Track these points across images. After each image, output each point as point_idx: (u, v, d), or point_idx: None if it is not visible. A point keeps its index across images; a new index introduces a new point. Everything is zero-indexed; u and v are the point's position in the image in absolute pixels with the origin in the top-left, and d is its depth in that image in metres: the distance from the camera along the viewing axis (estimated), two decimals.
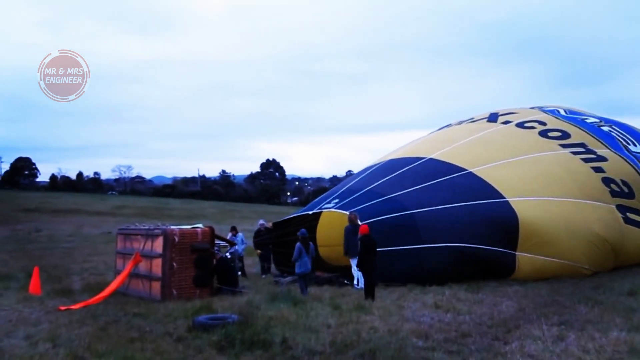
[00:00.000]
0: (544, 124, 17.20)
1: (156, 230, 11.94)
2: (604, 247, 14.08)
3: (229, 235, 16.21)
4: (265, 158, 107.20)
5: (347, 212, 13.71)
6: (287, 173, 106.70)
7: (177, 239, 11.51)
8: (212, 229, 12.28)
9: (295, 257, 11.66)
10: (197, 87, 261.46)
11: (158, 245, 11.61)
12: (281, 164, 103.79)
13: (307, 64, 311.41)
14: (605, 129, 17.84)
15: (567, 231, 13.72)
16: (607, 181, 15.25)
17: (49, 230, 32.95)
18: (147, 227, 12.80)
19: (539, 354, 6.76)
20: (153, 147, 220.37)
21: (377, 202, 14.20)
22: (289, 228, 15.73)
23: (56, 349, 7.16)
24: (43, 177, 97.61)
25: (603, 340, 7.28)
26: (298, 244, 11.69)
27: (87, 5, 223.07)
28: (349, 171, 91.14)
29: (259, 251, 16.58)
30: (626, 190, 15.44)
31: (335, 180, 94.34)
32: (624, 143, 17.29)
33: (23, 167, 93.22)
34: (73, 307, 10.27)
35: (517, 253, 13.42)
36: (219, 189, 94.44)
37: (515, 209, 13.62)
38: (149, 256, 11.81)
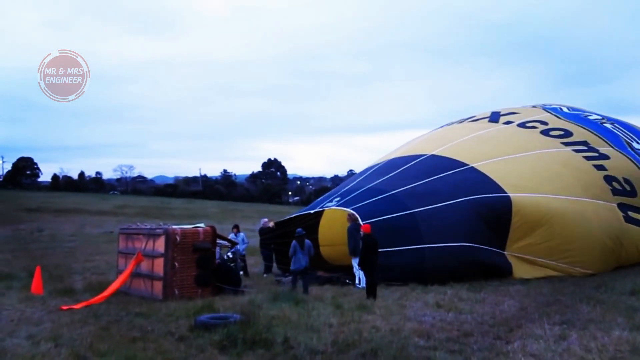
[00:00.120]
0: (545, 123, 17.18)
1: (158, 230, 11.93)
2: (604, 247, 14.06)
3: (230, 235, 16.19)
4: (267, 158, 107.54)
5: (348, 210, 13.71)
6: (288, 173, 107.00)
7: (178, 239, 11.51)
8: (213, 229, 12.29)
9: (290, 254, 12.01)
10: (199, 87, 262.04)
11: (160, 244, 11.60)
12: (283, 164, 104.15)
13: (309, 64, 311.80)
14: (608, 126, 17.81)
15: (567, 230, 13.71)
16: (609, 179, 15.23)
17: (51, 229, 32.96)
18: (149, 227, 12.79)
19: (541, 353, 6.75)
20: (155, 147, 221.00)
21: (378, 199, 14.19)
22: (291, 227, 15.72)
23: (58, 349, 7.16)
24: (45, 177, 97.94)
25: (605, 339, 7.28)
26: (294, 242, 12.02)
27: (91, 6, 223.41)
28: (351, 171, 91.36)
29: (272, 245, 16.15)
30: (628, 188, 15.42)
31: (336, 179, 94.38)
32: (627, 140, 17.24)
33: (25, 167, 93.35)
34: (75, 306, 10.27)
35: (515, 254, 13.44)
36: (221, 189, 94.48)
37: (516, 206, 13.61)
38: (151, 256, 11.81)
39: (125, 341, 7.50)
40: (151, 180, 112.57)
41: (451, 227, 13.33)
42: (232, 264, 13.81)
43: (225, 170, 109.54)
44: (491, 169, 14.68)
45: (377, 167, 17.04)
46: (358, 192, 14.93)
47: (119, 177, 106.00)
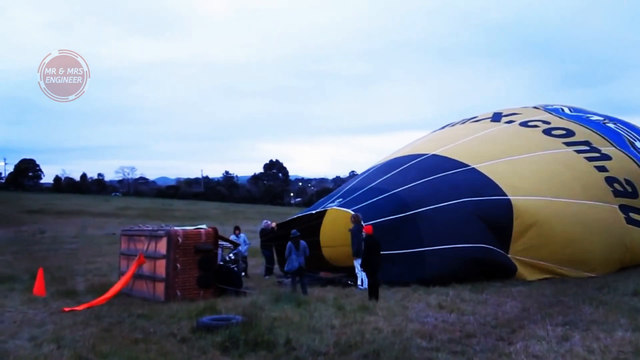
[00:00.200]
0: (547, 123, 17.15)
1: (160, 231, 11.94)
2: (606, 249, 14.03)
3: (231, 236, 16.19)
4: (269, 159, 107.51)
5: (351, 212, 13.69)
6: (290, 174, 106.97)
7: (180, 240, 11.52)
8: (215, 230, 12.30)
9: (286, 255, 12.21)
10: (201, 88, 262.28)
11: (162, 246, 11.61)
12: (284, 165, 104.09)
13: (310, 65, 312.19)
14: (611, 126, 17.77)
15: (568, 233, 13.68)
16: (610, 180, 15.19)
17: (53, 231, 33.02)
18: (150, 228, 12.80)
19: (544, 354, 6.74)
20: (157, 149, 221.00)
21: (379, 199, 14.17)
22: (293, 229, 15.70)
23: (60, 350, 7.17)
24: (47, 178, 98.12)
25: (608, 340, 7.27)
26: (289, 243, 12.15)
27: (94, 7, 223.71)
28: (352, 172, 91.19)
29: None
30: (629, 189, 15.37)
31: (338, 181, 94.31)
32: (630, 139, 17.18)
33: (27, 169, 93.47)
34: (77, 308, 10.28)
35: (517, 257, 13.41)
36: (223, 190, 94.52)
37: (517, 209, 13.58)
38: (153, 257, 11.82)
39: (128, 343, 7.50)
40: (153, 182, 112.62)
41: (452, 227, 13.30)
42: (234, 265, 13.80)
43: (227, 172, 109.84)
44: (492, 171, 14.65)
45: (378, 166, 17.06)
46: (360, 191, 14.93)
47: (120, 178, 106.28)
